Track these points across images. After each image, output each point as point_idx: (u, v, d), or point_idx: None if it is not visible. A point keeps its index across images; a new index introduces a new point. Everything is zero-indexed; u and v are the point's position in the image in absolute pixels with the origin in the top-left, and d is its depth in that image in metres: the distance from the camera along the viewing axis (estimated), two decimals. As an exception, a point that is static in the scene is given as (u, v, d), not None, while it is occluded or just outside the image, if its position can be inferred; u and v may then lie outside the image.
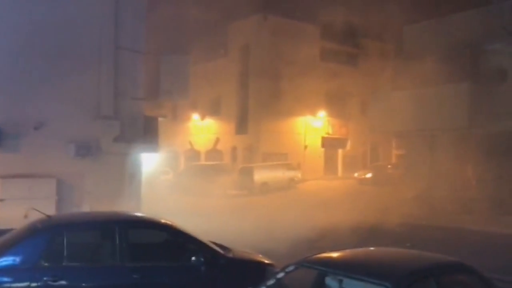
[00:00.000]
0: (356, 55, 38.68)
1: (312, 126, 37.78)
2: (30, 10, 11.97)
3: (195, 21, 28.41)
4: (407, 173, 25.19)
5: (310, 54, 35.33)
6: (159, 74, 17.49)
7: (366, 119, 30.42)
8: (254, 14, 34.51)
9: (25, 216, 9.18)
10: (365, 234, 13.28)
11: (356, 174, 33.28)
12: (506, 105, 19.00)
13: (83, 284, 5.91)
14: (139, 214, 8.14)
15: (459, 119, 20.35)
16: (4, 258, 5.72)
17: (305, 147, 36.86)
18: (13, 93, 11.66)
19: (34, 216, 6.86)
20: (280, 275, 5.33)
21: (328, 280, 5.19)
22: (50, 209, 9.05)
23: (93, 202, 11.81)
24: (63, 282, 5.69)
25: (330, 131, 39.07)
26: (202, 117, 41.24)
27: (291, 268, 5.28)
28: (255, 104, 35.81)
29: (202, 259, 6.27)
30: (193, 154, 41.71)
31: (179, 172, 35.16)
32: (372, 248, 5.97)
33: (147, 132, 14.20)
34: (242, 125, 37.22)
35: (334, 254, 5.49)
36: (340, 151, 40.01)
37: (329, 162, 39.27)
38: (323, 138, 38.42)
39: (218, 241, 7.13)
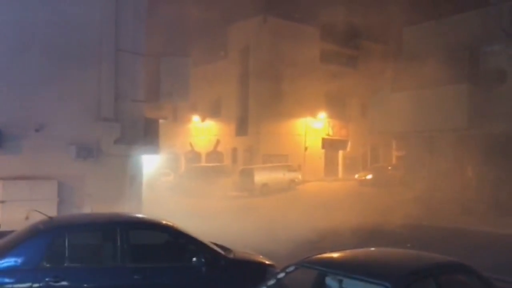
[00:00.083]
0: (356, 57, 38.72)
1: (312, 127, 37.81)
2: (31, 13, 12.01)
3: (195, 23, 28.45)
4: (407, 174, 25.23)
5: (310, 55, 35.40)
6: (159, 76, 17.56)
7: (366, 120, 30.47)
8: (254, 16, 34.57)
9: (26, 218, 9.21)
10: (366, 235, 13.29)
11: (356, 176, 33.31)
12: (505, 106, 19.03)
13: (85, 285, 5.94)
14: (140, 215, 8.17)
15: (459, 120, 20.38)
16: (7, 259, 5.76)
17: (306, 148, 36.88)
18: (14, 95, 11.69)
19: (35, 218, 6.89)
20: (281, 275, 5.36)
21: (328, 280, 5.22)
22: (51, 211, 9.07)
23: (94, 204, 11.84)
24: (64, 283, 5.73)
25: (331, 133, 39.11)
26: (203, 119, 41.29)
27: (291, 268, 5.31)
28: (255, 106, 35.84)
29: (203, 260, 6.29)
30: (194, 155, 41.76)
31: (179, 174, 35.21)
32: (371, 249, 6.00)
33: (147, 134, 14.24)
34: (242, 126, 37.25)
35: (334, 255, 5.52)
36: (340, 152, 40.06)
37: (330, 163, 39.30)
38: (324, 140, 38.46)
39: (219, 242, 7.16)
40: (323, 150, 38.57)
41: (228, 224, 14.09)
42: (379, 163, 38.14)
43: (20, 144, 11.70)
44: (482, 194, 18.70)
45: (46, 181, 11.89)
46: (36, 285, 5.62)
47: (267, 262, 7.18)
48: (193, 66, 21.26)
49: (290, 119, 36.04)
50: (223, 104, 39.22)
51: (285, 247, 10.18)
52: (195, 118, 41.63)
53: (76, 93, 12.40)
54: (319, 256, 5.44)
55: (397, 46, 26.48)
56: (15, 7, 11.91)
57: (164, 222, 6.84)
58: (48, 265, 5.81)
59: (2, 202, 11.31)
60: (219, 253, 6.68)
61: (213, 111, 40.23)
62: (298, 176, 32.13)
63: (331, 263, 5.32)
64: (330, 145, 38.69)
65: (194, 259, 6.27)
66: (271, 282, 5.35)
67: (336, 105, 38.71)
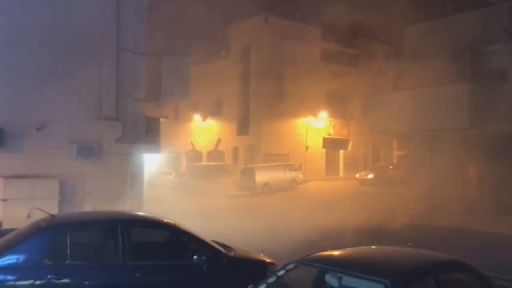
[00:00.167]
0: (357, 56, 38.71)
1: (314, 127, 37.81)
2: (32, 12, 12.05)
3: (196, 22, 28.47)
4: (408, 174, 25.21)
5: (311, 55, 35.45)
6: (160, 75, 17.59)
7: (367, 120, 30.44)
8: (255, 15, 34.57)
9: (28, 216, 9.27)
10: (367, 235, 13.31)
11: (357, 175, 33.32)
12: (507, 106, 19.00)
13: (86, 282, 5.96)
14: (141, 213, 8.19)
15: (460, 119, 20.36)
16: (9, 257, 5.79)
17: (307, 148, 36.88)
18: (15, 94, 11.72)
19: (37, 216, 6.92)
20: (281, 272, 5.39)
21: (328, 278, 5.24)
22: (52, 210, 9.10)
23: (95, 202, 11.88)
24: (66, 280, 5.76)
25: (332, 132, 39.11)
26: (204, 118, 41.32)
27: (291, 266, 5.34)
28: (257, 105, 35.86)
29: (204, 258, 6.31)
30: (195, 154, 41.80)
31: (181, 173, 35.25)
32: (371, 247, 6.03)
33: (149, 133, 14.28)
34: (243, 126, 37.27)
35: (334, 252, 5.55)
36: (341, 152, 40.06)
37: (331, 163, 39.31)
38: (325, 139, 38.46)
39: (220, 241, 7.19)
40: (324, 150, 38.57)
41: (229, 223, 14.12)
42: (380, 162, 38.10)
43: (22, 143, 11.74)
44: (483, 193, 18.68)
45: (47, 180, 11.93)
46: (38, 282, 5.65)
47: (268, 260, 7.20)
48: (194, 65, 21.26)
49: (291, 118, 36.05)
50: (224, 103, 39.24)
51: (286, 246, 10.20)
52: (196, 117, 41.67)
53: (78, 92, 12.44)
54: (319, 253, 5.47)
55: (398, 45, 26.48)
56: (17, 7, 11.94)
57: (165, 220, 6.86)
58: (50, 262, 5.84)
59: (4, 200, 11.36)
60: (220, 251, 6.70)
61: (214, 110, 40.26)
62: (299, 175, 32.13)
63: (331, 260, 5.35)
64: (331, 144, 38.70)
65: (195, 257, 6.28)
66: (271, 279, 5.38)
67: (337, 105, 38.72)
